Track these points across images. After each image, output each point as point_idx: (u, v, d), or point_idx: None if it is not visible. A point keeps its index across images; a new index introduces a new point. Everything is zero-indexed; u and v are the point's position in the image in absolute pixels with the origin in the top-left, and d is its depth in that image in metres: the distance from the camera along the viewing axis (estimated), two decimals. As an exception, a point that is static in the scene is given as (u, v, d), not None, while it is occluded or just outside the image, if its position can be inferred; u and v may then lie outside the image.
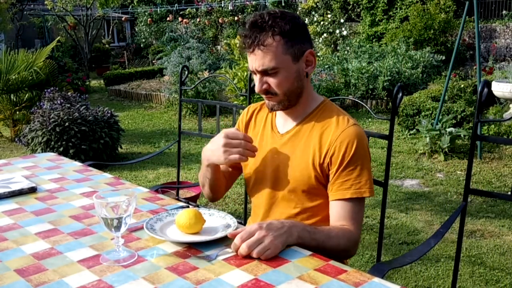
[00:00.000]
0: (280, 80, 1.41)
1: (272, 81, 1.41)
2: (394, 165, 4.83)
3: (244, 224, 1.97)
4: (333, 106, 1.52)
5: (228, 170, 1.67)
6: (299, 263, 1.13)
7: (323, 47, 11.88)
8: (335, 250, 1.32)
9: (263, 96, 1.47)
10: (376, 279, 1.06)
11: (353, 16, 12.45)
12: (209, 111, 7.58)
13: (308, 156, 1.45)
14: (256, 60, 1.39)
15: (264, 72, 1.40)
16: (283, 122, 1.53)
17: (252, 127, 1.62)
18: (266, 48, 1.36)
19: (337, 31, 11.88)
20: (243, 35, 1.40)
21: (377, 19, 11.60)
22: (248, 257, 1.15)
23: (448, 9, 10.23)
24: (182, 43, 10.21)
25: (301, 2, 12.94)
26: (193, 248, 1.21)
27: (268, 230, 1.19)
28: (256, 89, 1.44)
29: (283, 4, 13.24)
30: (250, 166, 1.58)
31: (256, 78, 1.44)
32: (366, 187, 1.40)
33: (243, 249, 1.15)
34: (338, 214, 1.42)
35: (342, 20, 12.04)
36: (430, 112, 5.66)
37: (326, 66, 8.62)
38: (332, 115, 1.47)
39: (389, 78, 7.65)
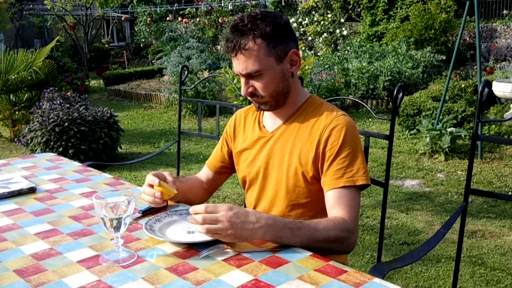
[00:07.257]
0: (266, 83, 1.40)
1: (257, 84, 1.41)
2: (394, 165, 4.82)
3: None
4: (320, 100, 1.51)
5: (209, 178, 1.69)
6: (299, 264, 1.12)
7: (323, 46, 11.88)
8: (325, 243, 1.26)
9: (250, 98, 1.46)
10: (377, 280, 1.05)
11: (353, 16, 12.45)
12: (209, 111, 7.58)
13: (299, 152, 1.44)
14: (239, 64, 1.39)
15: (249, 75, 1.40)
16: (272, 121, 1.53)
17: (241, 131, 1.62)
18: (248, 52, 1.35)
19: (338, 31, 11.88)
20: (226, 39, 1.39)
21: (377, 19, 11.60)
22: (248, 257, 1.15)
23: (448, 9, 10.24)
24: (182, 43, 10.20)
25: (301, 2, 12.93)
26: (192, 249, 1.21)
27: (232, 225, 1.16)
28: (242, 92, 1.44)
29: (283, 3, 13.24)
30: (241, 168, 1.59)
31: (242, 81, 1.43)
32: (359, 175, 1.37)
33: (200, 230, 1.18)
34: (331, 202, 1.37)
35: (342, 20, 12.04)
36: (431, 112, 5.66)
37: (326, 66, 8.61)
38: (319, 108, 1.47)
39: (390, 78, 7.65)
